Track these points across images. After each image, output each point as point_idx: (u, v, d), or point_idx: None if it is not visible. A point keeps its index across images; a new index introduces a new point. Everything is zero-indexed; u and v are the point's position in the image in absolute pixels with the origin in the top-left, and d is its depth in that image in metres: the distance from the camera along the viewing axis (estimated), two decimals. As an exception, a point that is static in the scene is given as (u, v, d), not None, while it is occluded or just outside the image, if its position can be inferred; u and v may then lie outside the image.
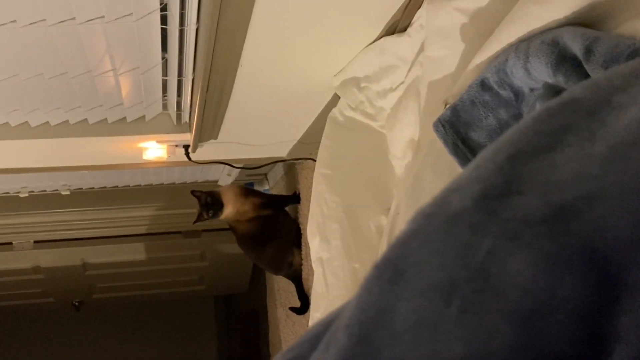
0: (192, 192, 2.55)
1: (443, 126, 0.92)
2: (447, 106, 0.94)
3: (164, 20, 1.30)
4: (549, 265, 0.39)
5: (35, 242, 3.83)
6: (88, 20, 1.26)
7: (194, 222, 2.58)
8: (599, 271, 0.38)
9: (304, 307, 2.62)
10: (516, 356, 0.36)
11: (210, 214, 2.53)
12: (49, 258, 3.95)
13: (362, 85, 1.54)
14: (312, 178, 1.77)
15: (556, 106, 0.51)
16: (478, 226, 0.43)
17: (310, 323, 1.88)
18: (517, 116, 0.86)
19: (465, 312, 0.39)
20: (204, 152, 2.22)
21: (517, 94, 0.84)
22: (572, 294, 0.38)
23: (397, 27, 1.37)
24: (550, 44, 0.74)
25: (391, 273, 0.43)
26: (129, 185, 3.20)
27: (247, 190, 2.73)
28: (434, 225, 0.45)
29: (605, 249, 0.39)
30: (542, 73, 0.75)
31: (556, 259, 0.39)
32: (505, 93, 0.85)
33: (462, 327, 0.38)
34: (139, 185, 3.23)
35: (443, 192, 0.48)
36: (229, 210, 2.56)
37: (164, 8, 1.25)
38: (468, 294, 0.39)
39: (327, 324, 0.48)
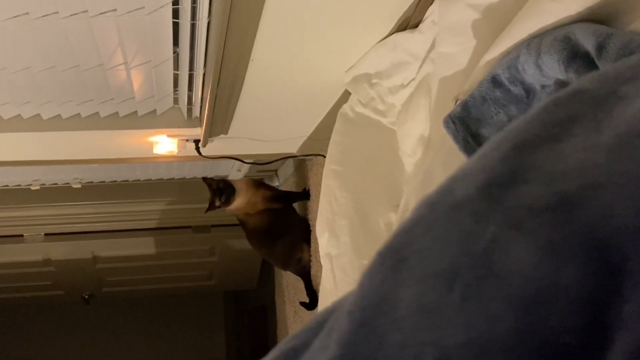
0: (204, 178, 2.54)
1: (453, 122, 0.92)
2: (458, 102, 0.93)
3: (175, 14, 1.30)
4: (552, 253, 0.38)
5: (46, 234, 3.86)
6: (100, 13, 1.27)
7: (206, 211, 2.58)
8: (601, 259, 0.38)
9: (312, 303, 2.62)
10: (517, 343, 0.36)
11: (222, 200, 2.50)
12: (59, 251, 3.98)
13: (373, 81, 1.53)
14: (322, 175, 1.76)
15: (563, 96, 0.51)
16: (481, 214, 0.42)
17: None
18: (528, 113, 0.85)
19: (467, 299, 0.38)
20: (215, 147, 2.22)
21: (528, 91, 0.83)
22: (574, 282, 0.37)
23: (409, 23, 1.36)
24: (562, 40, 0.73)
25: (394, 260, 0.43)
26: (139, 180, 3.21)
27: (258, 182, 2.74)
28: (438, 213, 0.45)
29: (608, 238, 0.38)
30: (553, 69, 0.75)
31: (559, 247, 0.39)
32: (517, 90, 0.84)
33: (463, 313, 0.38)
34: (150, 180, 3.24)
35: (447, 180, 0.48)
36: (240, 200, 2.56)
37: (175, 2, 1.25)
38: (470, 281, 0.39)
39: (330, 313, 0.48)
